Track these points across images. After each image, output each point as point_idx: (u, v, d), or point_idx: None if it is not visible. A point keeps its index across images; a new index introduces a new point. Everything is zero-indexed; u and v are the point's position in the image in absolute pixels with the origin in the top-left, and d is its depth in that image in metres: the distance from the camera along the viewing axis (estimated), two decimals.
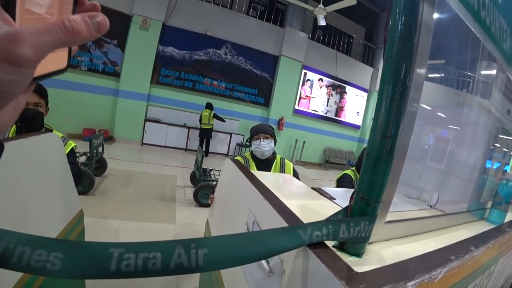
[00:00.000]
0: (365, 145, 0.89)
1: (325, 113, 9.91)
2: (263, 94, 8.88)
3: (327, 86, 9.70)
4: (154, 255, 0.33)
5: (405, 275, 0.42)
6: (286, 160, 1.97)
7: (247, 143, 2.03)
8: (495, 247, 0.82)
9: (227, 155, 8.40)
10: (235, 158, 1.82)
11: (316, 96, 9.62)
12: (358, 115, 10.61)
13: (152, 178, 4.80)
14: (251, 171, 1.03)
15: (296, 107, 9.35)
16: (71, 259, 0.32)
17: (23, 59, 0.21)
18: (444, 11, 0.62)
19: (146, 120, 7.49)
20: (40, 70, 0.25)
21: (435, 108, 1.20)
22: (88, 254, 0.33)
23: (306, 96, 9.48)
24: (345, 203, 0.55)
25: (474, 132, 1.12)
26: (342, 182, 2.02)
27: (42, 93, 1.46)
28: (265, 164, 1.89)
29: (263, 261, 0.58)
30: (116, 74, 7.11)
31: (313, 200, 0.89)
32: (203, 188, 3.91)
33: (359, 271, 0.41)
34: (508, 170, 1.28)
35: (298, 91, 9.27)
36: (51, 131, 1.47)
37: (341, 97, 10.09)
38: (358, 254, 0.51)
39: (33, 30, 0.22)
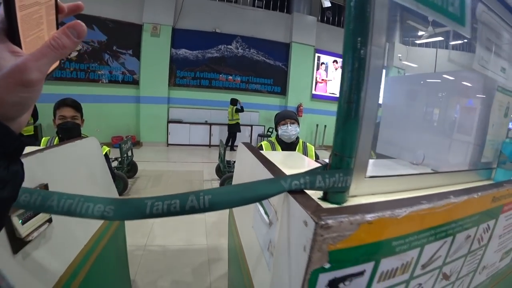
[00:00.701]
0: None
1: None
2: (278, 83, 8.92)
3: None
4: (175, 201, 0.48)
5: (367, 209, 0.52)
6: (308, 143, 2.11)
7: (269, 132, 2.24)
8: (486, 200, 0.82)
9: None
10: (262, 142, 2.04)
11: (332, 78, 9.47)
12: None
13: (180, 175, 5.09)
14: (260, 151, 1.16)
15: (314, 92, 9.28)
16: (120, 209, 0.48)
17: (34, 82, 0.27)
18: None
19: (169, 121, 7.86)
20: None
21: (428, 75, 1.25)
22: (131, 205, 0.48)
23: (322, 80, 9.37)
24: None
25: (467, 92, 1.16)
26: None
27: (77, 107, 1.69)
28: (289, 147, 2.04)
29: (265, 217, 0.71)
30: (135, 82, 7.50)
31: (311, 168, 0.99)
32: (228, 179, 4.12)
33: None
34: None
35: (313, 76, 9.18)
36: None
37: None
38: (338, 202, 0.62)
39: (33, 57, 0.27)
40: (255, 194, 0.52)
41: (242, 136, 8.48)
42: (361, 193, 0.70)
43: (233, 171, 4.50)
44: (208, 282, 2.20)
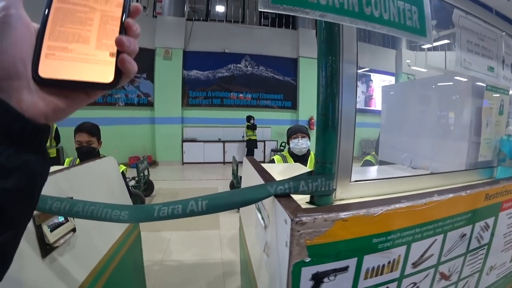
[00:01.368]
0: None
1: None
2: (289, 98, 9.05)
3: None
4: (177, 206, 0.57)
5: (342, 208, 0.58)
6: None
7: (282, 146, 2.38)
8: (477, 197, 0.83)
9: (263, 162, 8.63)
10: (274, 156, 2.20)
11: None
12: None
13: (195, 192, 5.08)
14: (261, 164, 1.24)
15: None
16: (133, 213, 0.57)
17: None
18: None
19: (183, 141, 8.10)
20: (82, 75, 0.30)
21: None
22: (142, 210, 0.58)
23: None
24: None
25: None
26: None
27: (92, 132, 1.82)
28: (301, 159, 2.14)
29: (261, 221, 0.79)
30: (150, 104, 7.87)
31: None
32: None
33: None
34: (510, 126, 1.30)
35: None
36: None
37: (368, 86, 9.85)
38: (324, 205, 0.69)
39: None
40: (244, 198, 0.60)
41: (258, 152, 8.56)
42: (348, 197, 0.76)
43: None
44: None
